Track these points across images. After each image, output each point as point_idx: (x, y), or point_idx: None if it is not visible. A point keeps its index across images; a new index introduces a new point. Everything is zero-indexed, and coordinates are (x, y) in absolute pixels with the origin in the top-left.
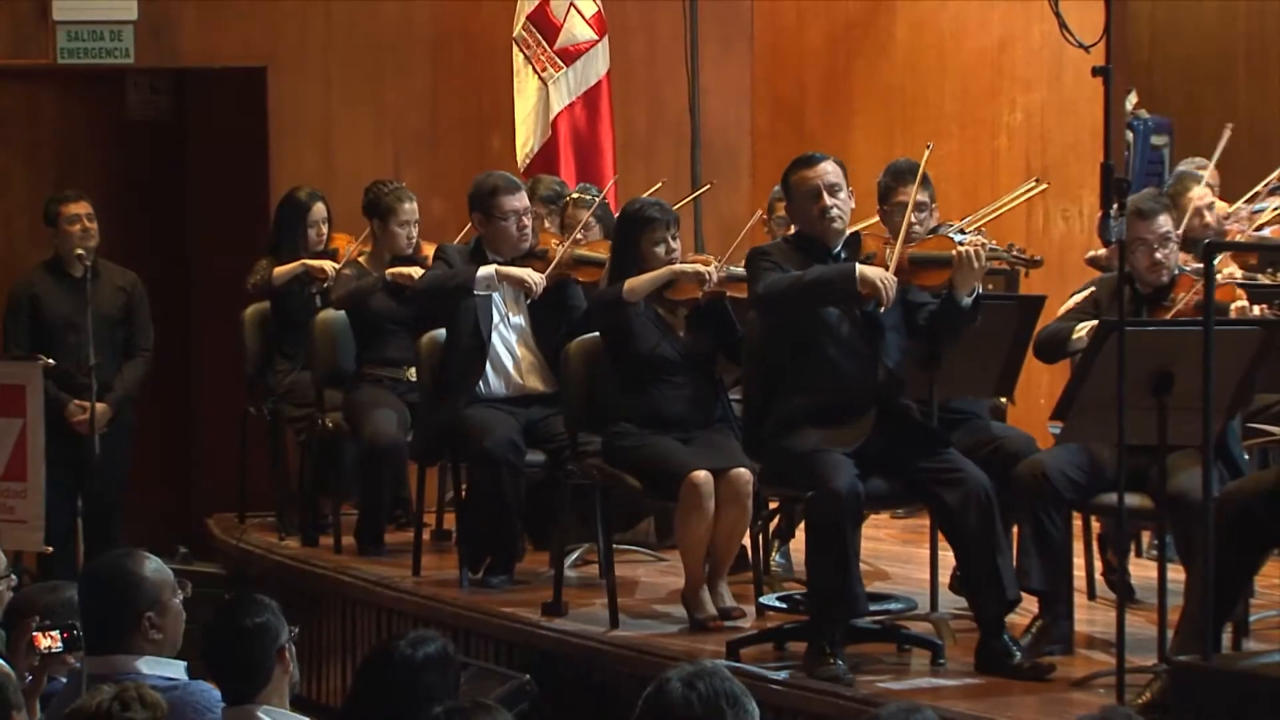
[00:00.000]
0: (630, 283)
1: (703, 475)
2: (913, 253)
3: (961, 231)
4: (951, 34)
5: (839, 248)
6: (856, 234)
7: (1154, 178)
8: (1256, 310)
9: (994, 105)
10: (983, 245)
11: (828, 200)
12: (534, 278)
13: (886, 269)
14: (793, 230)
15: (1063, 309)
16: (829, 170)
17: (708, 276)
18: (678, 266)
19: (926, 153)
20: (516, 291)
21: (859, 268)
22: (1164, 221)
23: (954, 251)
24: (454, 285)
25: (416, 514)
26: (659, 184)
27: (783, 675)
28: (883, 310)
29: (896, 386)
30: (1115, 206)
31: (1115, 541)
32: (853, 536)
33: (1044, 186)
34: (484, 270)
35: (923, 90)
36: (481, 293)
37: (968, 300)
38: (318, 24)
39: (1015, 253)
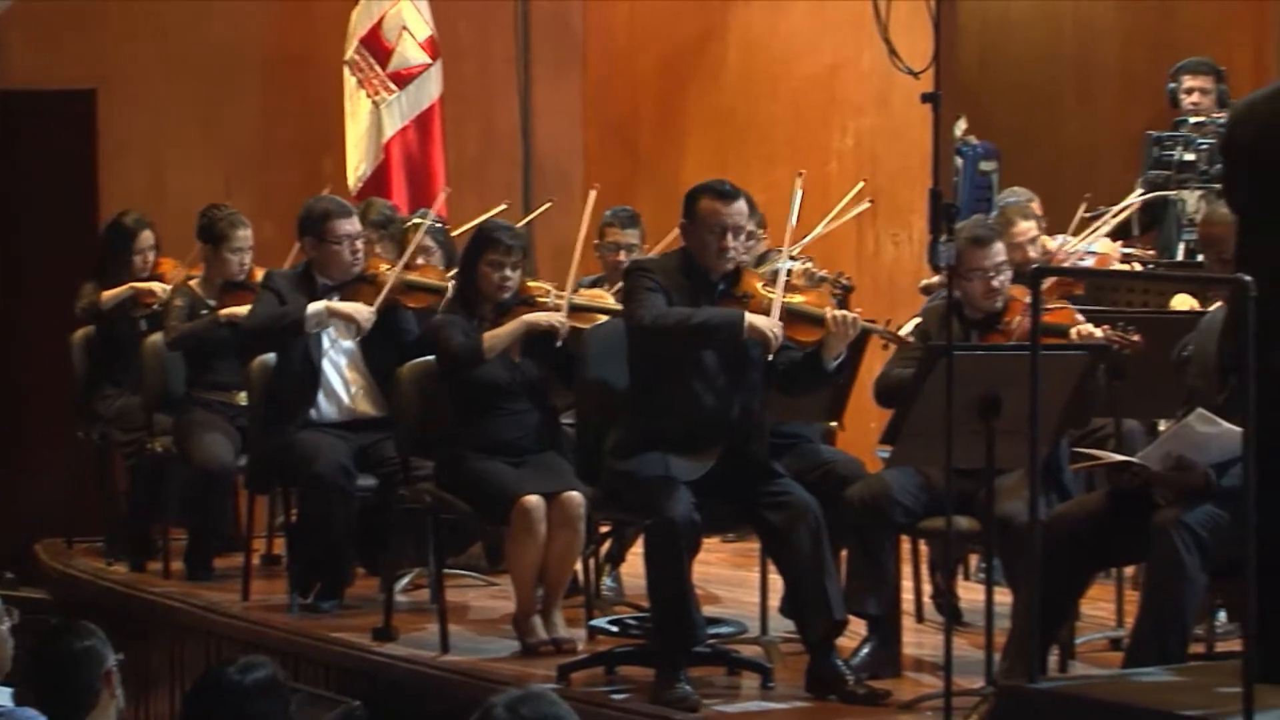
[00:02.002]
0: (489, 339)
1: (534, 499)
2: (789, 305)
3: (792, 258)
4: (783, 59)
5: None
6: (738, 267)
7: (982, 203)
8: (1098, 332)
9: (825, 130)
10: (855, 320)
11: (731, 241)
12: (363, 314)
13: (766, 314)
14: (656, 244)
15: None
16: (741, 211)
17: (560, 330)
18: (531, 319)
19: (798, 180)
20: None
21: (747, 318)
22: (999, 249)
23: (828, 315)
24: (285, 325)
25: (246, 539)
26: (502, 205)
27: (622, 697)
28: (771, 357)
29: (750, 427)
30: (944, 232)
31: (942, 564)
32: (688, 564)
33: (867, 204)
34: (314, 308)
35: (754, 114)
36: (313, 330)
37: (833, 364)
38: (148, 46)
39: (885, 330)
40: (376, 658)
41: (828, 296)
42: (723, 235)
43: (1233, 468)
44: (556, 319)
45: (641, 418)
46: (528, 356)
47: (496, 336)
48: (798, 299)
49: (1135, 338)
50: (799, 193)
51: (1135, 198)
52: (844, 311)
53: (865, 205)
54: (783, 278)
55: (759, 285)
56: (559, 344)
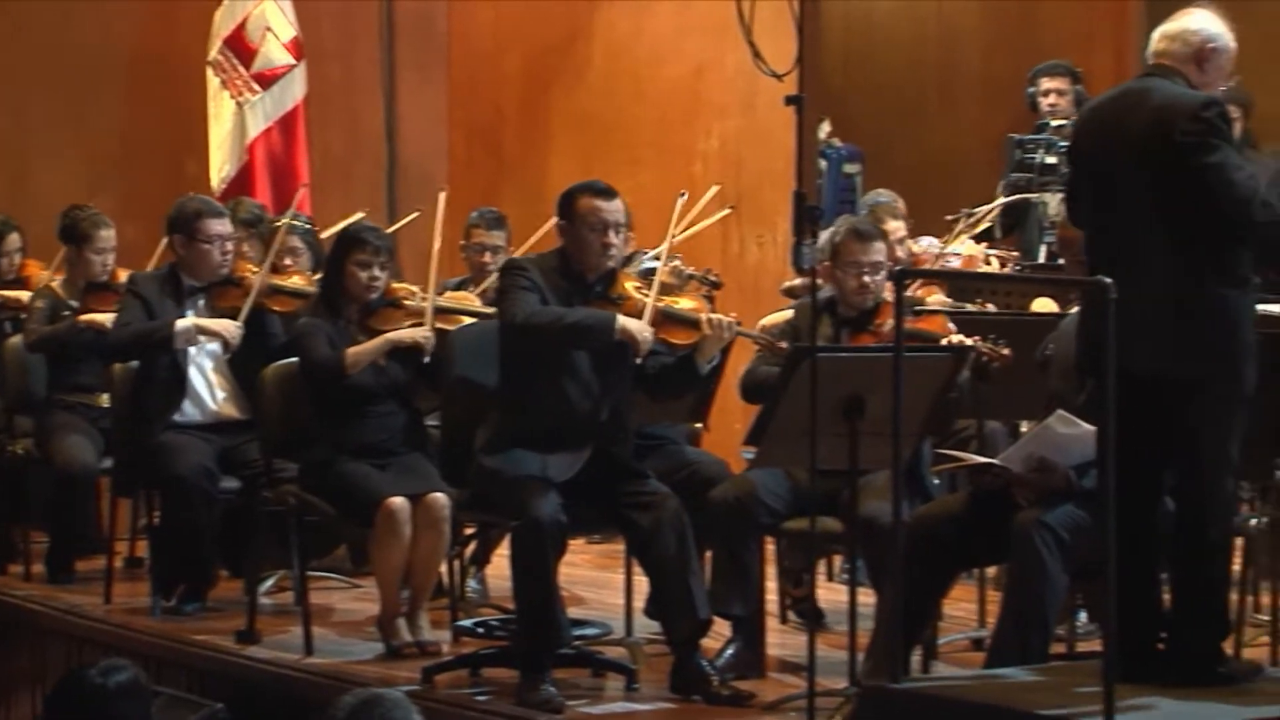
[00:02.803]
0: (352, 355)
1: (399, 501)
2: (663, 308)
3: (656, 259)
4: (648, 61)
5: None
6: (613, 269)
7: (846, 205)
8: (970, 343)
9: (689, 132)
10: (731, 324)
11: (612, 238)
12: (231, 332)
13: (639, 316)
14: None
15: (760, 325)
16: (620, 209)
17: (426, 346)
18: (395, 336)
19: (680, 201)
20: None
21: (619, 320)
22: (879, 248)
23: (702, 320)
24: (153, 341)
25: (108, 541)
26: (359, 214)
27: (486, 699)
28: (640, 360)
29: (617, 429)
30: (808, 234)
31: (803, 565)
32: (554, 566)
33: (728, 210)
34: (182, 325)
35: (619, 117)
36: (181, 348)
37: (706, 367)
38: (11, 47)
39: (759, 336)
40: (240, 660)
41: (703, 300)
42: (605, 232)
43: (1092, 468)
44: (421, 335)
45: (511, 415)
46: (393, 359)
47: (360, 353)
48: (673, 302)
49: (1005, 351)
50: (678, 211)
51: (998, 201)
52: (719, 315)
53: (726, 211)
54: (658, 280)
55: (633, 287)
56: (426, 359)
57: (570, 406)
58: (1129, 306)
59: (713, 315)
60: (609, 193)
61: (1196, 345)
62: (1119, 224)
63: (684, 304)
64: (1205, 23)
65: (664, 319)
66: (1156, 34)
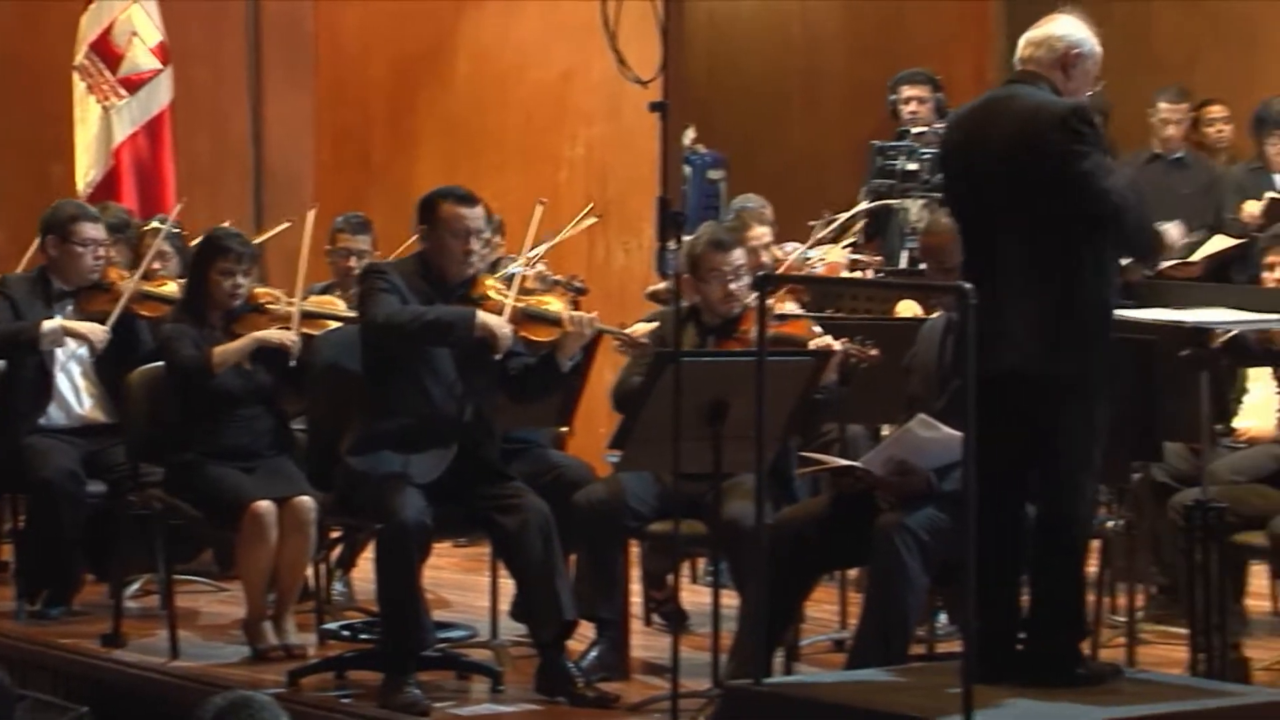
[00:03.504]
0: (218, 354)
1: (265, 505)
2: (524, 307)
3: (526, 264)
4: (514, 67)
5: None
6: (476, 273)
7: (710, 211)
8: (837, 345)
9: (555, 138)
10: (592, 321)
11: (474, 245)
12: (98, 335)
13: (500, 315)
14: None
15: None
16: (481, 215)
17: (292, 349)
18: (262, 335)
19: (538, 211)
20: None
21: (479, 315)
22: (739, 255)
23: (564, 318)
24: (19, 342)
25: None
26: (226, 223)
27: (355, 702)
28: (497, 357)
29: (481, 427)
30: (672, 240)
31: (666, 567)
32: (419, 568)
33: (595, 219)
34: (49, 326)
35: (486, 123)
36: (48, 349)
37: (569, 365)
38: None
39: (620, 332)
40: (105, 664)
41: (564, 299)
42: (466, 239)
43: (953, 471)
44: (288, 337)
45: (375, 418)
46: (258, 363)
47: (226, 352)
48: (533, 301)
49: (873, 351)
50: (536, 220)
51: (860, 206)
52: (580, 313)
53: (593, 220)
54: (517, 280)
55: (493, 289)
56: (292, 363)
57: (434, 408)
58: (1001, 309)
59: (573, 313)
60: (470, 199)
61: (1065, 347)
62: (989, 229)
63: (545, 303)
64: (1070, 29)
65: (524, 317)
66: (1023, 40)
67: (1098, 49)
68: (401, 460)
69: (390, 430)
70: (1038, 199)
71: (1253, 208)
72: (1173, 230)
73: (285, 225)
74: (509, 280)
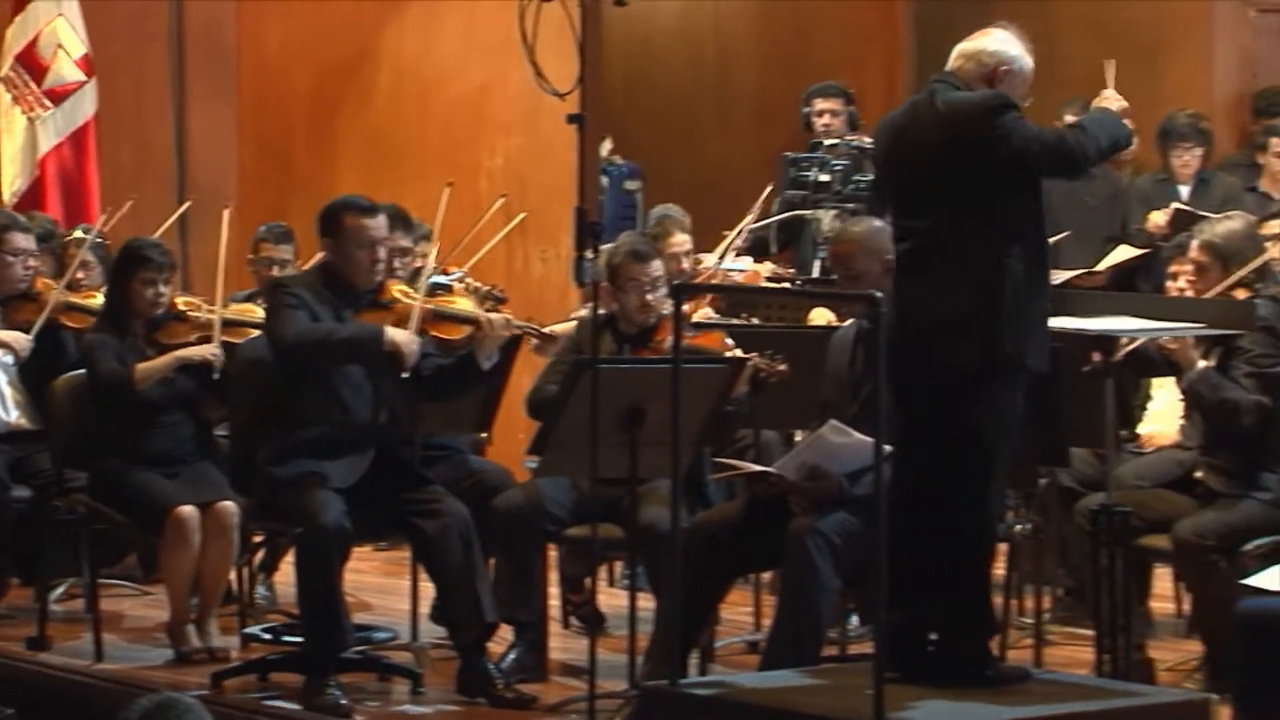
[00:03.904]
0: (141, 371)
1: (188, 510)
2: (435, 307)
3: (444, 273)
4: (434, 80)
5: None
6: (384, 279)
7: (627, 221)
8: (748, 360)
9: (475, 149)
10: (508, 320)
11: (380, 254)
12: (21, 343)
13: (407, 320)
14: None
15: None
16: (384, 224)
17: (215, 363)
18: (184, 354)
19: (446, 192)
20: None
21: (387, 332)
22: (657, 266)
23: (481, 318)
24: None
25: None
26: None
27: (278, 704)
28: (405, 375)
29: (397, 429)
30: (589, 249)
31: (584, 571)
32: (339, 571)
33: (519, 218)
34: None
35: (406, 134)
36: None
37: (489, 364)
38: None
39: (535, 325)
40: (31, 666)
41: (476, 299)
42: (372, 248)
43: (864, 476)
44: (209, 352)
45: (292, 426)
46: (181, 370)
47: (149, 369)
48: (444, 302)
49: (782, 367)
50: (444, 203)
51: (773, 217)
52: (494, 314)
53: (520, 218)
54: (424, 282)
55: (401, 292)
56: (216, 376)
57: (348, 414)
58: (930, 309)
59: (488, 313)
60: (372, 209)
61: (989, 346)
62: (919, 230)
63: (453, 303)
64: (1004, 44)
65: (435, 318)
66: (955, 51)
67: (1028, 67)
68: (319, 467)
69: (306, 439)
70: (965, 195)
71: (1158, 218)
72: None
73: (187, 204)
74: (436, 292)
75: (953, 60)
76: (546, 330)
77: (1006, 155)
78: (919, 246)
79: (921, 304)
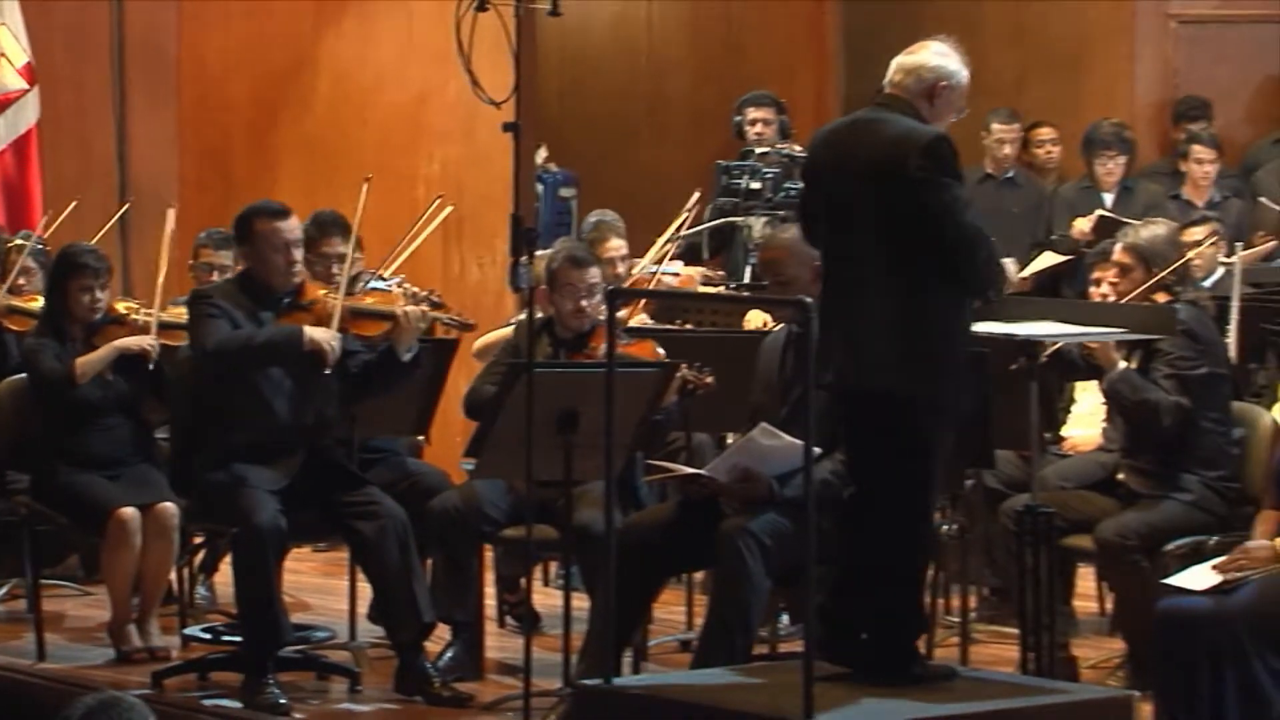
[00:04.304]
0: (81, 364)
1: (128, 511)
2: (354, 305)
3: (381, 279)
4: (372, 88)
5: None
6: (302, 280)
7: (562, 228)
8: (678, 371)
9: (412, 157)
10: (424, 313)
11: (295, 255)
12: None
13: (329, 320)
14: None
15: (478, 344)
16: (296, 225)
17: (151, 353)
18: (122, 343)
19: (365, 187)
20: None
21: (305, 332)
22: (595, 273)
23: (397, 312)
24: None
25: None
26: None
27: (218, 703)
28: (327, 371)
29: (325, 429)
30: (525, 255)
31: (519, 571)
32: (276, 570)
33: (448, 209)
34: None
35: (345, 142)
36: None
37: (408, 356)
38: None
39: (451, 316)
40: None
41: (396, 296)
42: (287, 251)
43: (794, 478)
44: (147, 342)
45: (223, 431)
46: (119, 373)
47: (89, 362)
48: (365, 301)
49: (709, 379)
50: (363, 197)
51: (705, 224)
52: (411, 307)
53: (444, 210)
54: (344, 280)
55: (321, 292)
56: (151, 366)
57: (276, 417)
58: (857, 324)
59: (405, 307)
60: (284, 212)
61: (918, 367)
62: (850, 244)
63: (376, 300)
64: (942, 59)
65: (354, 315)
66: (894, 64)
67: (965, 80)
68: (252, 471)
69: (238, 443)
70: (898, 219)
71: (1083, 225)
72: (1011, 266)
73: (126, 206)
74: (346, 287)
75: (892, 74)
76: (460, 317)
77: (929, 203)
78: (847, 264)
79: (849, 325)
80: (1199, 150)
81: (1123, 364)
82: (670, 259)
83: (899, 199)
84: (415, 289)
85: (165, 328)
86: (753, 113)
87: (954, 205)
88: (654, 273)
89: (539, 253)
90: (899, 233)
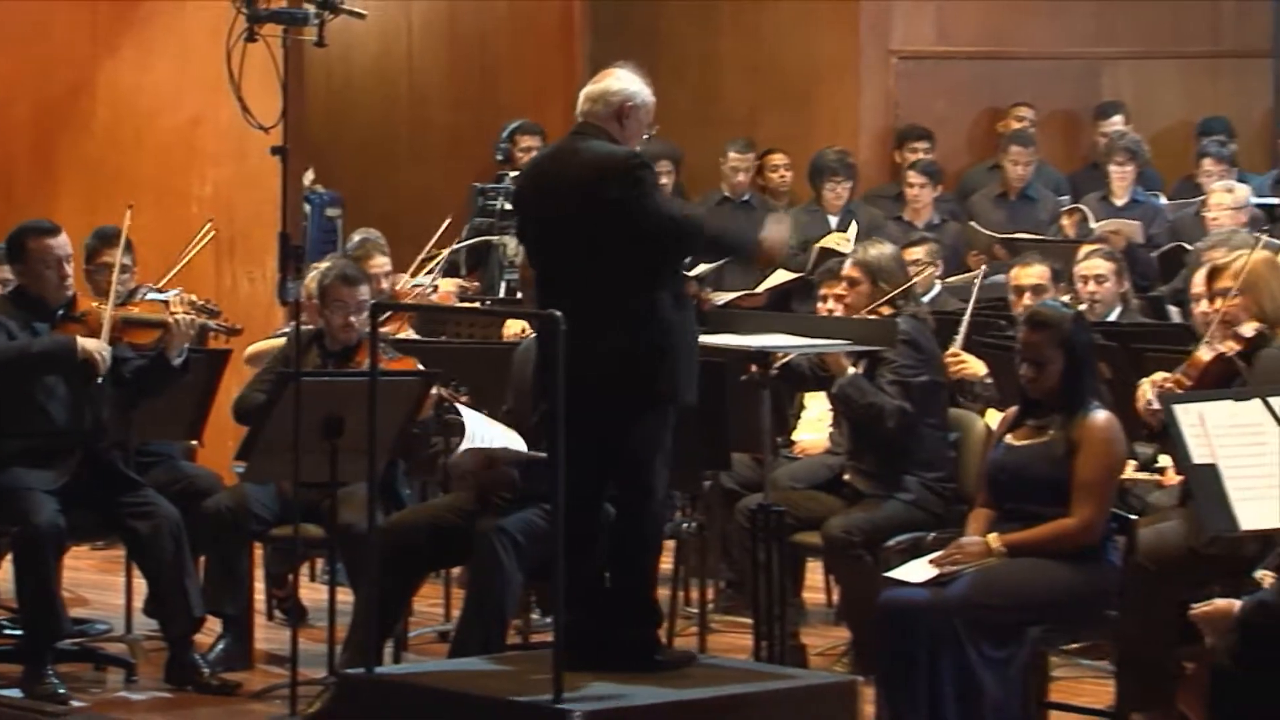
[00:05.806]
0: None
1: None
2: (124, 315)
3: (160, 291)
4: (148, 113)
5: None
6: (75, 293)
7: (329, 245)
8: (434, 391)
9: (187, 178)
10: (193, 320)
11: (67, 269)
12: None
13: (99, 330)
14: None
15: (249, 352)
16: (66, 242)
17: None
18: None
19: (128, 214)
20: None
21: (79, 343)
22: (364, 290)
23: (168, 318)
24: None
25: None
26: None
27: (2, 693)
28: (100, 380)
29: (101, 432)
30: (292, 271)
31: (287, 568)
32: (54, 566)
33: (213, 234)
34: None
35: (122, 163)
36: None
37: (179, 360)
38: None
39: (220, 322)
40: None
41: (170, 305)
42: (59, 266)
43: (533, 470)
44: None
45: (2, 435)
46: None
47: None
48: (135, 310)
49: (464, 399)
50: (127, 221)
51: (463, 242)
52: (180, 315)
53: (212, 234)
54: (113, 291)
55: (94, 304)
56: None
57: (51, 422)
58: (578, 337)
59: (175, 315)
60: (54, 230)
61: (637, 367)
62: (564, 262)
63: (146, 309)
64: (625, 82)
65: (126, 325)
66: (582, 95)
67: (650, 99)
68: (29, 474)
69: (15, 447)
70: (607, 235)
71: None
72: (775, 229)
73: None
74: (120, 299)
75: (581, 103)
76: (228, 323)
77: (638, 214)
78: (564, 281)
79: (580, 345)
80: (913, 176)
81: (852, 370)
82: (435, 275)
83: (607, 218)
84: (193, 297)
85: None
86: (524, 140)
87: (658, 204)
88: (416, 286)
89: (314, 265)
90: (610, 247)
